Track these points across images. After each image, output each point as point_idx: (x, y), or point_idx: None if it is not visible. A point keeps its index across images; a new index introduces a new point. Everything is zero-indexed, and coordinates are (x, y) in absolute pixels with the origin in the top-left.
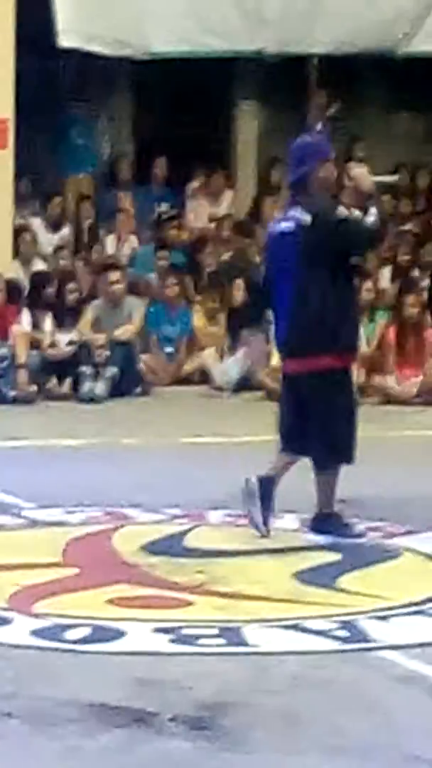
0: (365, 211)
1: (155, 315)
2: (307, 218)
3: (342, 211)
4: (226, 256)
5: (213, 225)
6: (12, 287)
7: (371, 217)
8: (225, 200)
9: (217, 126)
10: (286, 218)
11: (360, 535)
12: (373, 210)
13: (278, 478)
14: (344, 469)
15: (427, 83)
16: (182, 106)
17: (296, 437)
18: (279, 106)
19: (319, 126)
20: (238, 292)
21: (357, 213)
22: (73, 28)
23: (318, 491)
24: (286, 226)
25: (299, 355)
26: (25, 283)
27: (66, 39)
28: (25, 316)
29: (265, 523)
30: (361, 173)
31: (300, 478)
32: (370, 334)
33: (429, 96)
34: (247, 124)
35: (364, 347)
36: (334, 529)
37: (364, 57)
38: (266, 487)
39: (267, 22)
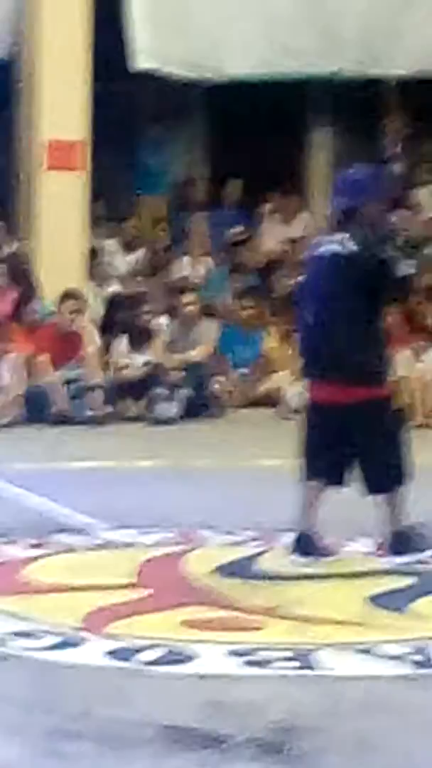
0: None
1: (229, 337)
2: (353, 247)
3: (387, 250)
4: (300, 278)
5: (287, 248)
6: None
7: (404, 268)
8: (299, 223)
9: (292, 149)
10: (331, 241)
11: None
12: (404, 265)
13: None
14: (418, 495)
15: None
16: (257, 130)
17: (336, 468)
18: (354, 129)
19: (397, 149)
20: None
21: (395, 257)
22: (149, 50)
23: (387, 513)
24: (328, 249)
25: (340, 384)
26: (100, 306)
27: (142, 61)
28: (97, 337)
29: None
30: (408, 217)
31: (373, 503)
32: None
33: None
34: (322, 147)
35: None
36: (408, 547)
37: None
38: (305, 541)
39: (345, 42)
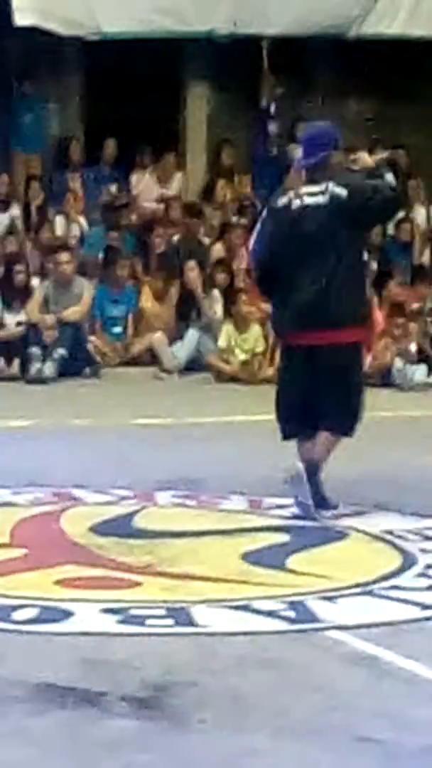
0: (382, 178)
1: (102, 296)
2: (342, 191)
3: (369, 181)
4: (175, 237)
5: (162, 206)
6: None
7: (390, 179)
8: (175, 182)
9: (168, 107)
10: (312, 193)
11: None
12: (388, 174)
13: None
14: (291, 449)
15: (378, 66)
16: (132, 88)
17: (309, 413)
18: (230, 88)
19: (272, 108)
20: (191, 273)
21: (379, 180)
22: (28, 7)
23: (319, 451)
24: (314, 200)
25: (326, 327)
26: None
27: (21, 17)
28: None
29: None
30: (362, 156)
31: (250, 460)
32: None
33: (380, 79)
34: (198, 105)
35: None
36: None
37: (315, 39)
38: (311, 471)
39: (219, 3)
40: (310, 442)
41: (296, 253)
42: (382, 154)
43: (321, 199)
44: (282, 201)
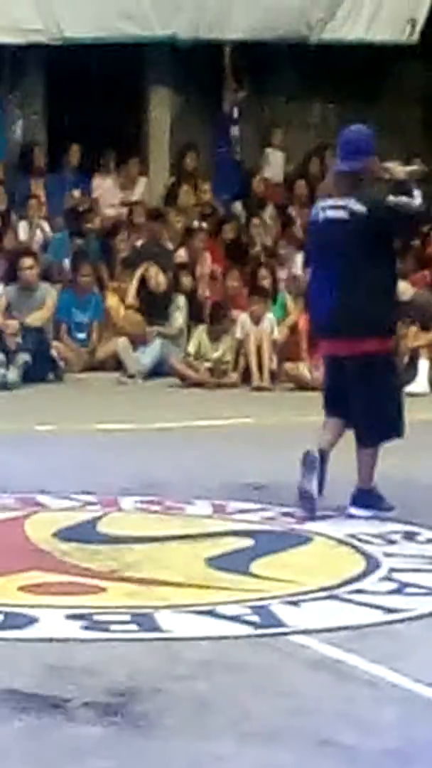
0: (410, 194)
1: (66, 301)
2: (362, 209)
3: (391, 198)
4: (139, 242)
5: (126, 211)
6: None
7: (417, 199)
8: (138, 186)
9: (131, 113)
10: (335, 206)
11: (392, 508)
12: (417, 192)
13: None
14: (257, 455)
15: (340, 71)
16: (95, 93)
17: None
18: (193, 92)
19: (234, 113)
20: (155, 278)
21: (404, 198)
22: None
23: (361, 468)
24: (335, 214)
25: (346, 338)
26: None
27: None
28: None
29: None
30: (393, 167)
31: (214, 465)
32: (279, 318)
33: (342, 84)
34: (161, 110)
35: (276, 334)
36: (374, 504)
37: (278, 44)
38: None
39: (180, 8)
40: (331, 430)
41: (324, 266)
42: (415, 167)
43: (342, 214)
44: (313, 213)
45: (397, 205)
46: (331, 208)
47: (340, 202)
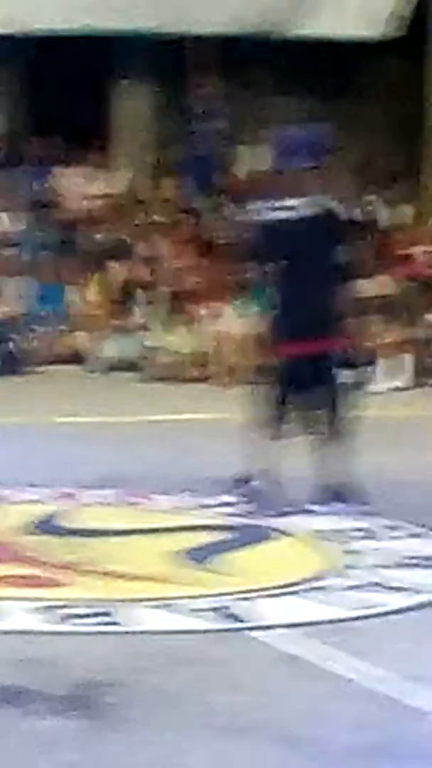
0: None
1: (27, 294)
2: (336, 206)
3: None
4: (103, 236)
5: (92, 205)
6: None
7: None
8: (102, 180)
9: (96, 106)
10: (304, 204)
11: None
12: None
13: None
14: (216, 449)
15: (308, 67)
16: (61, 86)
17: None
18: (160, 87)
19: (200, 108)
20: (118, 272)
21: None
22: None
23: (340, 461)
24: (306, 211)
25: (320, 337)
26: None
27: None
28: None
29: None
30: None
31: (175, 459)
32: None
33: (310, 79)
34: (128, 104)
35: (238, 329)
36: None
37: (245, 39)
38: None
39: (148, 2)
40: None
41: (291, 264)
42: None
43: (313, 211)
44: (270, 214)
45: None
46: (287, 208)
47: (295, 202)
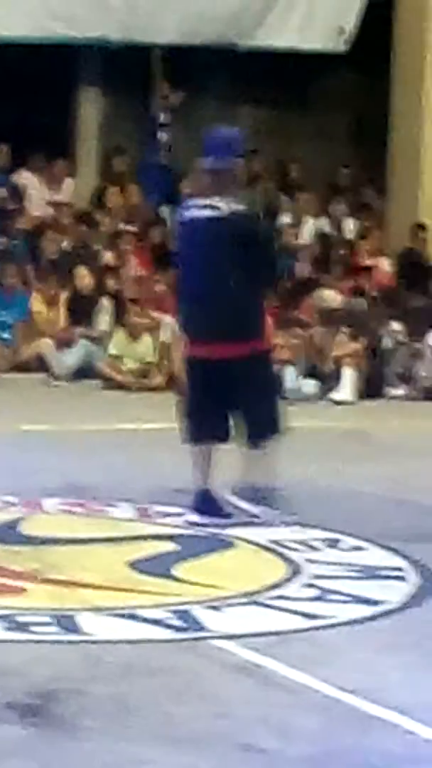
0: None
1: None
2: (241, 208)
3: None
4: (66, 243)
5: (53, 212)
6: None
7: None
8: (66, 188)
9: (60, 113)
10: (212, 206)
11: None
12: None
13: (210, 479)
14: (180, 460)
15: (269, 77)
16: (25, 93)
17: (221, 423)
18: (122, 95)
19: (162, 117)
20: (82, 280)
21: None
22: None
23: (261, 469)
24: (213, 213)
25: (231, 340)
26: None
27: None
28: None
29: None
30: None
31: (139, 468)
32: None
33: (271, 89)
34: (90, 112)
35: None
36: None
37: (207, 49)
38: (208, 500)
39: (111, 10)
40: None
41: (199, 266)
42: None
43: (220, 213)
44: (187, 213)
45: (275, 239)
46: (208, 207)
47: (218, 202)
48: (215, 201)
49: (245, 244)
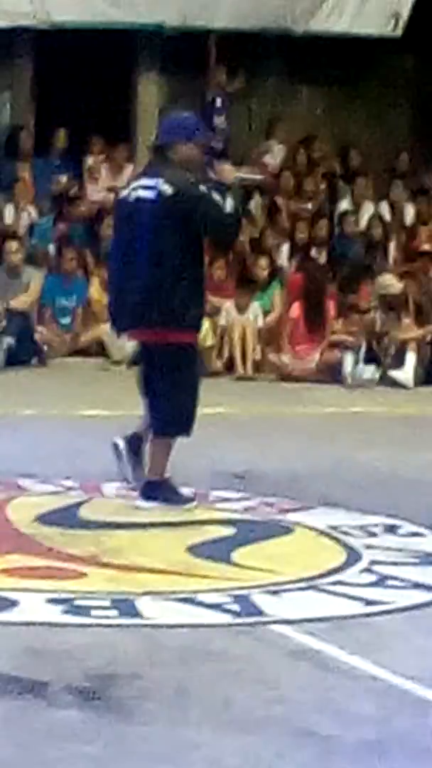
0: (223, 199)
1: (51, 286)
2: (168, 189)
3: (203, 188)
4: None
5: (113, 198)
6: None
7: (228, 206)
8: (126, 173)
9: (119, 98)
10: (145, 186)
11: (189, 500)
12: (230, 200)
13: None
14: (239, 445)
15: (327, 61)
16: (85, 78)
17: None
18: (181, 79)
19: (218, 102)
20: None
21: (217, 196)
22: None
23: (150, 458)
24: (144, 194)
25: (149, 326)
26: None
27: None
28: None
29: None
30: (224, 168)
31: (195, 453)
32: (265, 306)
33: (327, 72)
34: (149, 97)
35: (259, 322)
36: (162, 496)
37: (264, 34)
38: (133, 443)
39: None
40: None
41: (128, 248)
42: (248, 175)
43: (150, 194)
44: (123, 192)
45: (208, 198)
46: (142, 188)
47: (150, 182)
48: (146, 181)
49: (182, 219)
